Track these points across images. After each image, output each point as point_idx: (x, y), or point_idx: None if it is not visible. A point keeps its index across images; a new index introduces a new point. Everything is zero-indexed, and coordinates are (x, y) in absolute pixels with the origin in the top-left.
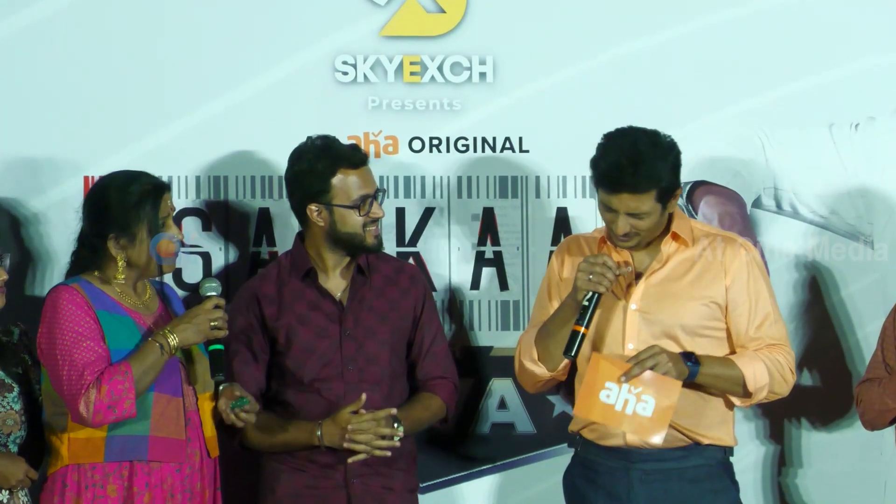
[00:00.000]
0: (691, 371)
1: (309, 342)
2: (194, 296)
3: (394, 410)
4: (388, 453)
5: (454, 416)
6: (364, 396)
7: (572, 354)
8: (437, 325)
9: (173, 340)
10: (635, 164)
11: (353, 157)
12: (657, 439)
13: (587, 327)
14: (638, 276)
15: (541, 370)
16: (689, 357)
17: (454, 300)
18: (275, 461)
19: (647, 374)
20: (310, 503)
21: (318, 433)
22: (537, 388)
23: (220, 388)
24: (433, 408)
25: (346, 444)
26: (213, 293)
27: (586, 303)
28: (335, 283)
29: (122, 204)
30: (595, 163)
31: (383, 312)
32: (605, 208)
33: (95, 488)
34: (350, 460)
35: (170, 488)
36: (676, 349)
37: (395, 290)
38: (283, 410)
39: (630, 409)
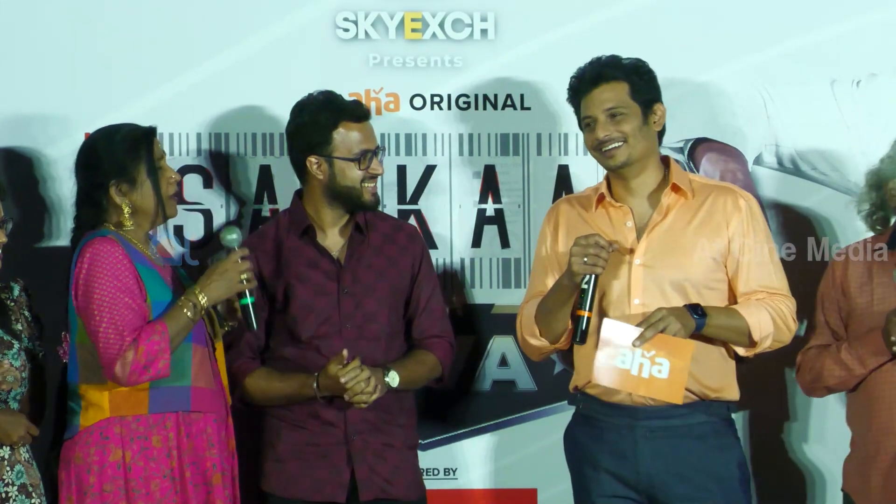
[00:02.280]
0: (698, 324)
1: (307, 300)
2: (195, 251)
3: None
4: (373, 397)
5: (454, 374)
6: (345, 352)
7: (581, 341)
8: (435, 284)
9: (203, 299)
10: (599, 60)
11: (356, 111)
12: (676, 401)
13: (590, 310)
14: (640, 231)
15: (543, 343)
16: (695, 310)
17: (455, 258)
18: (275, 418)
19: (659, 336)
20: (310, 459)
21: (315, 384)
22: (542, 357)
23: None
24: (428, 364)
25: (346, 397)
26: (236, 245)
27: (585, 286)
28: (333, 240)
29: (115, 151)
30: (568, 87)
31: (381, 270)
32: (586, 123)
33: (141, 440)
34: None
35: (209, 437)
36: (682, 303)
37: (394, 247)
38: (281, 367)
39: (646, 372)
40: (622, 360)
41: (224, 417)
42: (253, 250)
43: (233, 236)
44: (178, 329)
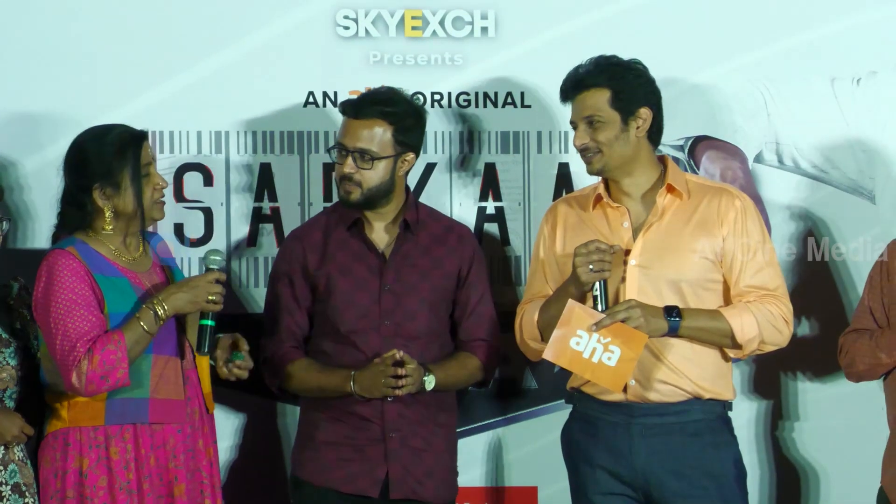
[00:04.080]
0: (672, 325)
1: (348, 293)
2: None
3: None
4: (405, 391)
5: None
6: (396, 353)
7: None
8: (485, 287)
9: (162, 310)
10: (589, 63)
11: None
12: (615, 390)
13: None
14: (636, 231)
15: (543, 347)
16: (671, 311)
17: None
18: (315, 411)
19: (618, 325)
20: (347, 452)
21: (351, 381)
22: (540, 358)
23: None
24: (469, 367)
25: (381, 389)
26: (216, 266)
27: (596, 293)
28: (380, 236)
29: (102, 153)
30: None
31: (426, 270)
32: (573, 128)
33: (99, 449)
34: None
35: (172, 449)
36: (679, 304)
37: (442, 248)
38: (319, 360)
39: (597, 357)
40: (577, 342)
41: (198, 426)
42: (301, 239)
43: (216, 258)
44: (135, 339)
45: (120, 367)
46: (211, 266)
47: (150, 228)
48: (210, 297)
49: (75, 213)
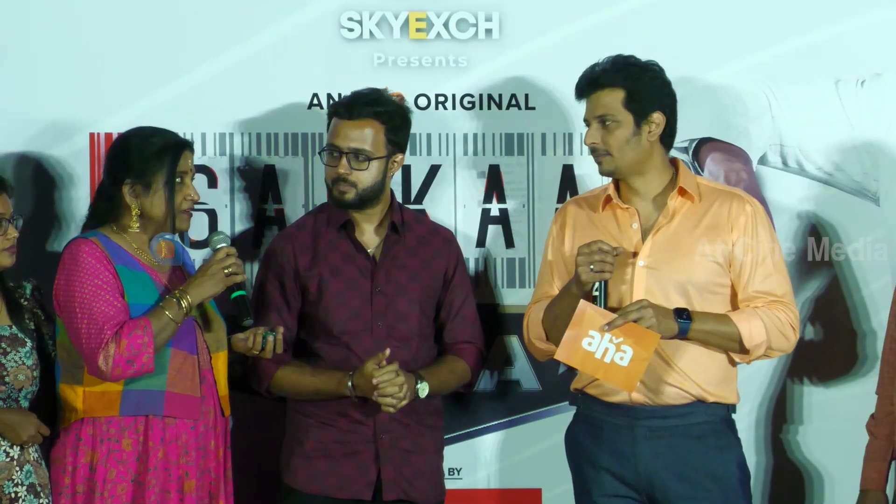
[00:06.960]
0: (682, 327)
1: (340, 293)
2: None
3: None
4: (401, 404)
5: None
6: (388, 351)
7: None
8: (468, 290)
9: (186, 301)
10: (606, 61)
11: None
12: (628, 390)
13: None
14: (645, 233)
15: (550, 347)
16: (681, 313)
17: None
18: (303, 415)
19: (630, 325)
20: (338, 457)
21: (350, 383)
22: (547, 358)
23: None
24: (458, 371)
25: (374, 397)
26: (223, 244)
27: (596, 293)
28: (369, 238)
29: (142, 151)
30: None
31: (415, 271)
32: (586, 126)
33: (110, 442)
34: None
35: (184, 445)
36: (686, 307)
37: (429, 250)
38: (312, 362)
39: (609, 357)
40: (589, 342)
41: (211, 426)
42: (290, 240)
43: (219, 237)
44: (160, 326)
45: (146, 353)
46: (218, 246)
47: None
48: (227, 271)
49: (105, 206)
